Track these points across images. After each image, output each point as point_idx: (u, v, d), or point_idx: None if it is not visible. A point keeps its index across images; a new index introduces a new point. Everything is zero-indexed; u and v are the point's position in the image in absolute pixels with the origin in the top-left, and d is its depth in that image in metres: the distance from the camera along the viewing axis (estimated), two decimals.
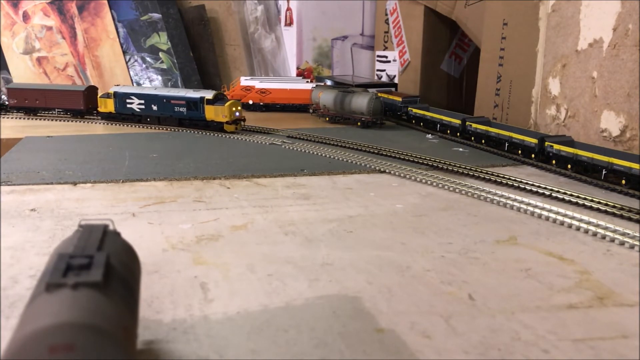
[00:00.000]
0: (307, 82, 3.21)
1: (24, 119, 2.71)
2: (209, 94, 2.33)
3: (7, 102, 2.77)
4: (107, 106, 2.54)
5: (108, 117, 2.57)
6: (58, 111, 2.75)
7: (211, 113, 2.30)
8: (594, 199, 1.40)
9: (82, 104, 2.66)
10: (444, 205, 1.41)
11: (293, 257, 1.06)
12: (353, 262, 1.04)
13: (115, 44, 3.70)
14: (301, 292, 0.91)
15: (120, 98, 2.50)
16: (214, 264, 1.02)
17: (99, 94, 2.60)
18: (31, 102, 2.74)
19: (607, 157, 1.57)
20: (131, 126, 2.53)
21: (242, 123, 2.34)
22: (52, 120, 2.70)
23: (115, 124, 2.56)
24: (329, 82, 3.20)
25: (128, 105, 2.49)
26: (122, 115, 2.52)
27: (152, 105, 2.44)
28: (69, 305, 0.51)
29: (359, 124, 2.54)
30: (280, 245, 1.12)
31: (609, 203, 1.37)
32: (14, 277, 0.95)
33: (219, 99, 2.32)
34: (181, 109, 2.37)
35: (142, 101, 2.45)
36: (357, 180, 1.64)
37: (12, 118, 2.73)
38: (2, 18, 3.53)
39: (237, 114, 2.29)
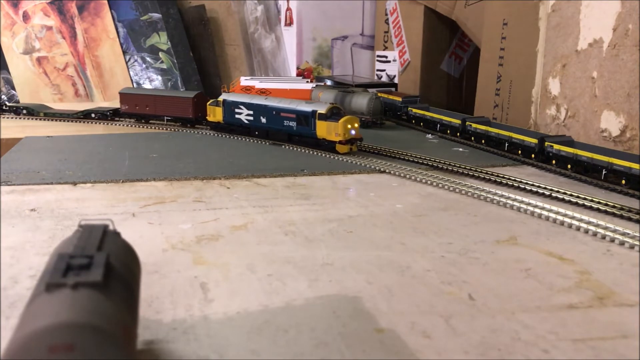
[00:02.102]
0: (307, 82, 3.21)
1: (134, 126, 2.52)
2: (322, 108, 1.97)
3: (121, 108, 2.60)
4: (216, 115, 2.30)
5: (216, 128, 2.33)
6: (167, 119, 2.51)
7: (323, 130, 1.95)
8: (594, 199, 1.40)
9: (191, 112, 2.44)
10: (444, 205, 1.41)
11: (293, 257, 1.06)
12: (353, 262, 1.04)
13: (115, 44, 3.70)
14: (301, 292, 0.91)
15: (229, 107, 2.25)
16: (214, 264, 1.02)
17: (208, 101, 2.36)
18: (141, 109, 2.54)
19: (607, 157, 1.57)
20: (158, 128, 2.53)
21: (359, 143, 1.98)
22: (160, 128, 2.47)
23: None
24: (329, 82, 3.20)
25: (236, 116, 2.23)
26: (230, 126, 2.27)
27: (261, 117, 2.14)
28: (69, 305, 0.51)
29: None
30: (280, 245, 1.12)
31: (609, 203, 1.37)
32: (14, 277, 0.95)
33: (333, 114, 1.95)
34: (291, 124, 2.05)
35: (251, 112, 2.18)
36: (357, 180, 1.64)
37: (123, 125, 2.54)
38: (2, 18, 3.53)
39: (353, 132, 1.92)
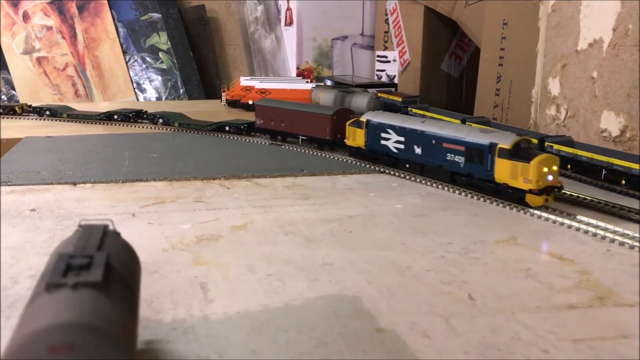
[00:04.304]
0: (307, 82, 3.21)
1: (266, 143, 2.15)
2: (505, 140, 1.43)
3: (257, 122, 2.23)
4: (356, 138, 1.83)
5: (356, 155, 1.86)
6: (302, 139, 2.10)
7: (505, 172, 1.41)
8: (594, 199, 1.40)
9: (328, 132, 1.99)
10: (444, 205, 1.41)
11: (293, 257, 1.06)
12: (353, 262, 1.04)
13: (115, 44, 3.70)
14: (301, 292, 0.91)
15: (373, 129, 1.77)
16: (214, 264, 1.02)
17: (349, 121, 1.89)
18: (276, 125, 2.16)
19: (607, 157, 1.57)
20: (155, 129, 2.52)
21: (557, 192, 1.40)
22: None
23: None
24: (329, 82, 3.21)
25: (382, 142, 1.74)
26: (374, 153, 1.79)
27: (415, 147, 1.65)
28: (68, 305, 0.51)
29: None
30: (280, 245, 1.12)
31: (608, 203, 1.37)
32: (14, 277, 0.95)
33: (521, 150, 1.42)
34: (457, 159, 1.54)
35: (402, 138, 1.69)
36: (357, 180, 1.64)
37: (255, 142, 2.18)
38: (2, 18, 3.53)
39: (550, 177, 1.36)
